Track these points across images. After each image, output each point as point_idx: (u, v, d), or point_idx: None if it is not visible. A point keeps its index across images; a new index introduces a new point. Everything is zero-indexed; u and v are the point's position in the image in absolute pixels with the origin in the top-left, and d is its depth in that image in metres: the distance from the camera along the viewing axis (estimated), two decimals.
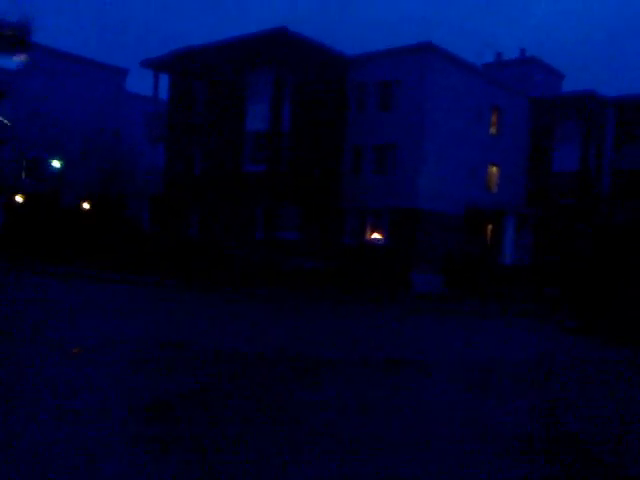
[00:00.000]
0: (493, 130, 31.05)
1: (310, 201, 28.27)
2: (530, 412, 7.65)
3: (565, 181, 32.17)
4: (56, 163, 35.91)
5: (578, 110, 32.00)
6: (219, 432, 5.86)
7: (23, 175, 37.75)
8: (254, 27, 45.57)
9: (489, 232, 30.13)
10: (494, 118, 30.97)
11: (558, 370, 10.73)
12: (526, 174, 33.29)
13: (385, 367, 9.77)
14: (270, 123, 26.64)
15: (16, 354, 8.74)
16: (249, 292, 20.33)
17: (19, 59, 28.07)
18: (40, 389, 6.90)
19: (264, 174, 26.72)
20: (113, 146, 40.23)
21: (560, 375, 10.26)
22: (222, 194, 28.20)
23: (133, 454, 5.16)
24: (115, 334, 10.76)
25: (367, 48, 29.89)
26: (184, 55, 30.00)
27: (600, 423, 7.20)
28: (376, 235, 28.24)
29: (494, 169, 31.34)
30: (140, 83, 45.00)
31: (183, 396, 6.95)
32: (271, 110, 26.63)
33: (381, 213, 27.90)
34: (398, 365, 9.95)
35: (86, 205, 35.36)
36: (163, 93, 32.58)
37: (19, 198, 35.36)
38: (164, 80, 32.23)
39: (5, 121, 33.51)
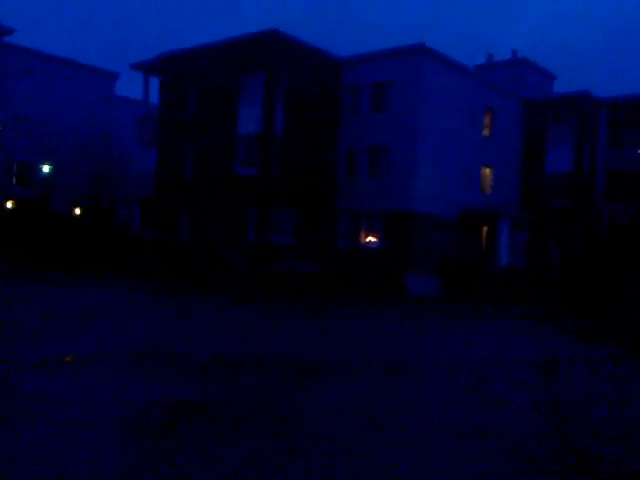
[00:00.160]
0: (486, 132, 30.94)
1: (303, 204, 28.04)
2: (534, 415, 7.45)
3: (559, 182, 32.07)
4: (46, 168, 35.56)
5: (571, 111, 31.93)
6: (218, 435, 5.80)
7: (14, 181, 37.36)
8: (247, 29, 45.47)
9: (484, 234, 29.99)
10: (487, 120, 30.87)
11: (565, 372, 10.56)
12: (519, 176, 33.17)
13: (384, 370, 9.63)
14: (262, 126, 26.42)
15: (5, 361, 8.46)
16: (244, 296, 20.05)
17: None
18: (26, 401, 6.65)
19: (256, 177, 26.49)
20: (103, 150, 39.95)
21: (570, 376, 10.08)
22: (214, 197, 27.94)
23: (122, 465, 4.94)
24: (108, 342, 10.50)
25: (362, 50, 29.67)
26: (175, 58, 29.76)
27: (606, 426, 7.04)
28: (371, 238, 28.03)
29: (488, 171, 31.22)
30: (130, 86, 44.75)
31: (182, 403, 6.84)
32: (263, 113, 26.41)
33: (375, 216, 27.70)
34: (397, 369, 9.83)
35: (77, 210, 35.02)
36: (154, 96, 32.33)
37: (9, 204, 34.97)
38: (154, 83, 31.99)
39: None
